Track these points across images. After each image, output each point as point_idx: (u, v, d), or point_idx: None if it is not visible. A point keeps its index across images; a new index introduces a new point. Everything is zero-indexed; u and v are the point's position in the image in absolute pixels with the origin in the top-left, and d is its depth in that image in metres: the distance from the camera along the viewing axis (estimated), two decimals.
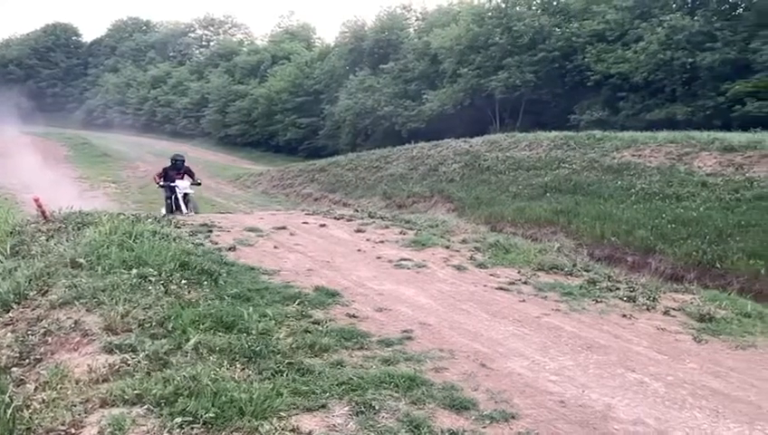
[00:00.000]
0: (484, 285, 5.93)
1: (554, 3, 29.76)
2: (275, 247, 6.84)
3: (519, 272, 6.43)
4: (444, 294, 5.58)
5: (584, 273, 6.51)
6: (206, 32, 65.09)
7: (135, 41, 67.90)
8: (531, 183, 18.30)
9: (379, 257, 6.74)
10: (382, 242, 7.53)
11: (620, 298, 5.66)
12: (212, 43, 62.90)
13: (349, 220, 8.85)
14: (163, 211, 11.89)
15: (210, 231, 7.40)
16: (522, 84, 27.47)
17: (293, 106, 41.04)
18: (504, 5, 30.04)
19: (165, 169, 12.12)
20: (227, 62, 53.47)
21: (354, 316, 4.71)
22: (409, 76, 34.53)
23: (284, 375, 3.46)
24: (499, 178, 19.46)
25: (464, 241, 7.76)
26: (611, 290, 5.88)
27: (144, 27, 72.02)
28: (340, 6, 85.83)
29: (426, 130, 29.59)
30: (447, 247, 7.33)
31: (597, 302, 5.53)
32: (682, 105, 22.76)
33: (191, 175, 12.25)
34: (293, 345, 3.89)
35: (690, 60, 22.61)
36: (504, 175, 19.44)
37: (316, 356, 3.84)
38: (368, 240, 7.60)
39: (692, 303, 5.59)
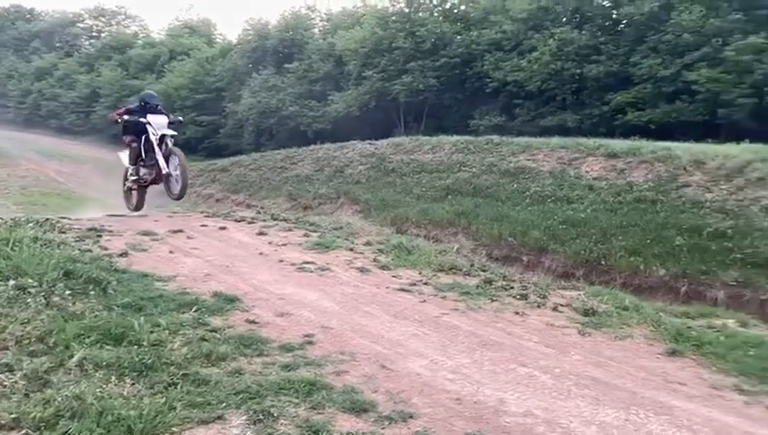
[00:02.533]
0: (387, 287, 6.02)
1: (455, 11, 30.71)
2: (171, 252, 6.56)
3: (420, 273, 6.58)
4: (347, 296, 5.60)
5: (481, 273, 6.76)
6: (96, 22, 61.21)
7: (18, 29, 62.66)
8: (434, 185, 18.80)
9: (281, 261, 6.65)
10: (285, 245, 7.43)
11: (514, 296, 5.93)
12: (103, 35, 59.23)
13: (250, 222, 8.65)
14: (126, 163, 9.47)
15: (99, 236, 6.98)
16: (425, 89, 28.12)
17: (193, 103, 39.54)
18: (407, 10, 30.62)
19: (127, 109, 9.18)
20: (121, 56, 50.59)
21: (254, 322, 4.61)
22: (314, 77, 34.35)
23: (178, 388, 3.33)
24: (404, 181, 19.83)
25: (368, 243, 7.82)
26: (506, 289, 6.15)
27: (28, 15, 66.65)
28: (243, 4, 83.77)
29: (331, 131, 29.56)
30: (351, 250, 7.36)
31: (492, 300, 5.76)
32: (572, 113, 24.25)
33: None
34: (189, 355, 3.75)
35: (578, 71, 24.14)
36: (408, 177, 19.83)
37: (213, 365, 3.72)
38: (270, 243, 7.47)
39: (578, 298, 5.96)
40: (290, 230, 8.30)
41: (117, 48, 52.54)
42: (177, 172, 8.45)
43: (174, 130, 8.95)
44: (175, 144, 9.01)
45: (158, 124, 8.54)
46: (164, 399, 3.15)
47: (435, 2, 31.04)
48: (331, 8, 63.87)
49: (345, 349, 4.28)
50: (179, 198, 8.77)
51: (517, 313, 5.48)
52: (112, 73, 47.49)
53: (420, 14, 30.13)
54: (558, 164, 17.65)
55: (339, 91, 32.07)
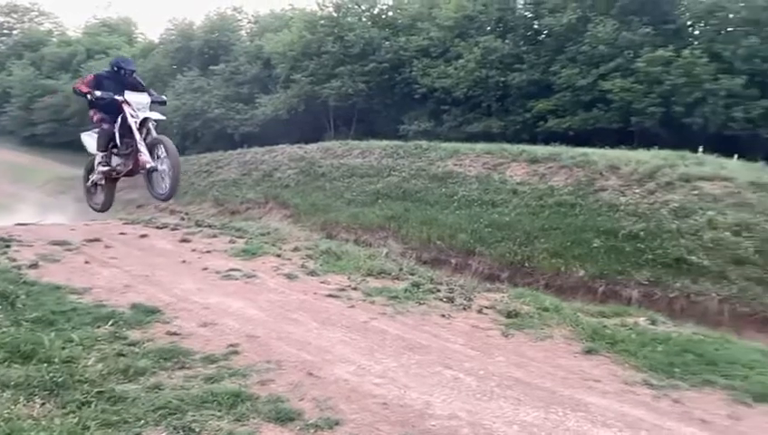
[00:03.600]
0: (315, 293, 5.97)
1: (383, 16, 30.99)
2: (87, 262, 6.25)
3: (349, 278, 6.57)
4: (273, 304, 5.52)
5: (410, 276, 6.84)
6: (8, 19, 57.57)
7: None
8: (364, 190, 18.86)
9: (205, 269, 6.48)
10: (209, 252, 7.24)
11: (441, 299, 6.03)
12: (15, 32, 55.82)
13: (174, 229, 8.38)
14: (92, 148, 7.25)
15: (8, 246, 6.56)
16: (354, 93, 28.20)
17: None
18: (335, 15, 30.61)
19: (97, 77, 7.03)
20: (33, 53, 47.80)
21: (176, 334, 4.47)
22: (241, 79, 33.71)
23: (92, 406, 3.17)
24: (334, 185, 19.77)
25: (296, 249, 7.75)
26: (433, 292, 6.24)
27: None
28: (165, 3, 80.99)
29: (259, 135, 29.08)
30: (279, 256, 7.27)
31: (420, 304, 5.84)
32: (496, 119, 25.01)
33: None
34: (104, 372, 3.58)
35: (502, 78, 24.94)
36: (338, 181, 19.79)
37: (130, 381, 3.57)
38: (194, 250, 7.26)
39: (502, 301, 6.13)
40: (215, 237, 8.10)
41: (29, 46, 49.62)
42: (165, 166, 6.46)
43: (159, 112, 6.96)
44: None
45: (138, 104, 6.56)
46: (77, 419, 3.00)
47: (363, 7, 31.22)
48: (258, 10, 62.76)
49: (271, 358, 4.22)
50: (168, 197, 6.81)
51: (444, 315, 5.57)
52: (24, 72, 44.80)
53: (349, 19, 30.21)
54: (484, 169, 18.12)
55: (267, 94, 31.62)
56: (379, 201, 17.84)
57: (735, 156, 15.63)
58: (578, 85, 22.75)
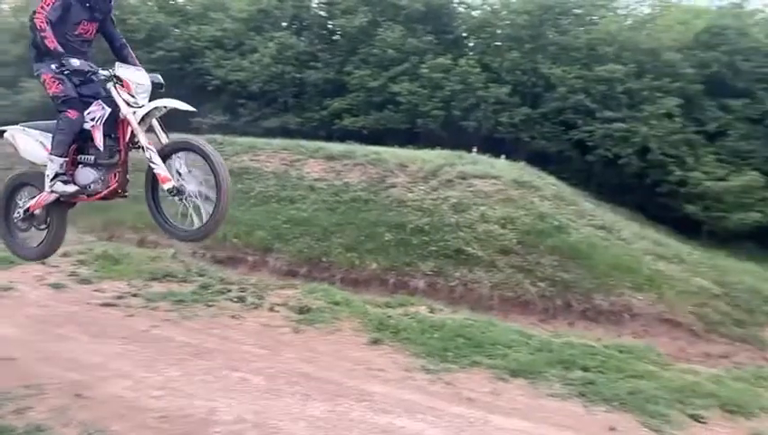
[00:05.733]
0: (87, 304, 5.41)
1: (171, 2, 29.18)
2: None
3: (129, 284, 6.08)
4: (35, 319, 4.87)
5: (198, 278, 6.54)
6: None
7: None
8: None
9: None
10: None
11: (231, 300, 5.87)
12: None
13: None
14: (37, 152, 4.14)
15: None
16: None
17: None
18: None
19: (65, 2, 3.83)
20: None
21: None
22: (2, 60, 29.18)
23: None
24: None
25: (65, 254, 6.91)
26: (223, 293, 6.05)
27: None
28: None
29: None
30: (43, 263, 6.42)
31: (208, 306, 5.62)
32: (293, 115, 25.05)
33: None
34: None
35: (299, 75, 25.05)
36: None
37: None
38: None
39: (294, 297, 6.16)
40: None
41: None
42: (194, 186, 3.70)
43: (158, 85, 4.05)
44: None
45: (137, 85, 3.82)
46: None
47: None
48: None
49: (31, 382, 3.71)
50: (204, 236, 3.91)
51: (234, 316, 5.44)
52: None
53: (132, 2, 27.85)
54: (281, 165, 18.06)
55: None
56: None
57: (503, 156, 17.67)
58: (370, 86, 23.76)
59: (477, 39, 24.70)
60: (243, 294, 6.05)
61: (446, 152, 17.37)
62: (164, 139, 3.79)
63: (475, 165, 16.10)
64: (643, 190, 19.92)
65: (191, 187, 3.67)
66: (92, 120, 3.81)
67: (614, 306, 11.32)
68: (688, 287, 9.95)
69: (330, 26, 26.76)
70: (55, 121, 3.96)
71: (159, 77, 4.05)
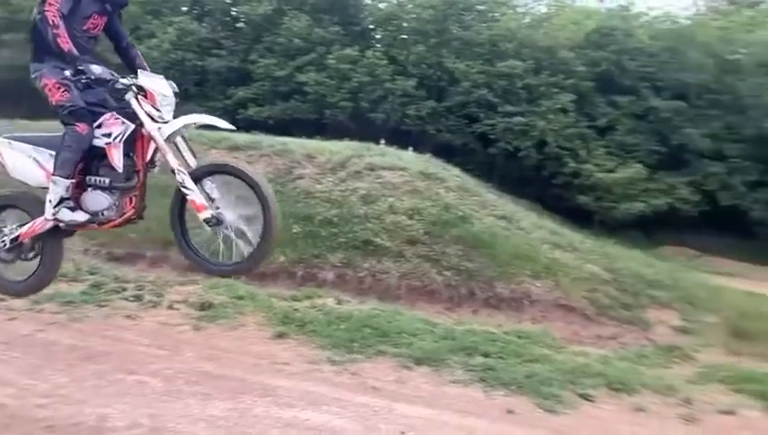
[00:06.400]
0: None
1: None
2: None
3: None
4: None
5: (89, 276, 6.16)
6: None
7: None
8: None
9: None
10: None
11: (127, 299, 5.58)
12: None
13: None
14: (37, 177, 3.40)
15: None
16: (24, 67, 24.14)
17: None
18: None
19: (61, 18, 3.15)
20: None
21: None
22: None
23: None
24: None
25: None
26: (118, 292, 5.74)
27: None
28: None
29: None
30: None
31: (101, 306, 5.30)
32: (195, 104, 24.05)
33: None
34: None
35: (200, 63, 24.14)
36: None
37: None
38: None
39: (195, 293, 5.94)
40: None
41: None
42: (232, 216, 3.18)
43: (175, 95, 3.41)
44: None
45: (161, 96, 3.24)
46: None
47: None
48: None
49: None
50: (247, 269, 3.56)
51: (129, 316, 5.16)
52: None
53: None
54: None
55: None
56: None
57: (410, 148, 17.95)
58: (276, 76, 23.32)
59: (384, 31, 24.88)
60: (140, 292, 5.75)
61: (355, 144, 17.37)
62: (190, 159, 3.19)
63: (383, 157, 16.22)
64: (541, 182, 20.99)
65: (229, 215, 3.13)
66: (107, 136, 3.20)
67: (515, 294, 11.80)
68: (581, 274, 10.57)
69: (233, 13, 25.97)
70: (47, 134, 3.47)
71: (176, 86, 3.37)
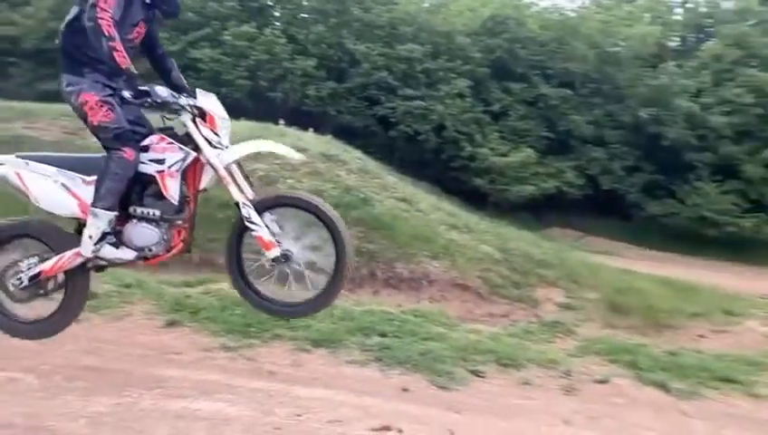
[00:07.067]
0: None
1: None
2: None
3: None
4: None
5: None
6: None
7: None
8: None
9: None
10: None
11: None
12: None
13: None
14: (69, 207, 2.80)
15: None
16: None
17: None
18: None
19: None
20: None
21: None
22: None
23: None
24: None
25: None
26: None
27: None
28: None
29: None
30: None
31: None
32: None
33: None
34: None
35: None
36: None
37: None
38: None
39: None
40: None
41: None
42: (302, 254, 2.82)
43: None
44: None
45: (222, 121, 2.86)
46: None
47: None
48: None
49: None
50: (315, 309, 3.02)
51: None
52: None
53: None
54: (63, 134, 15.97)
55: None
56: None
57: (311, 129, 17.74)
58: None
59: (283, 9, 24.33)
60: None
61: (253, 124, 16.93)
62: (247, 189, 2.79)
63: (283, 137, 15.94)
64: (439, 165, 21.52)
65: (297, 251, 2.79)
66: (158, 162, 2.77)
67: (414, 274, 12.09)
68: (476, 254, 11.00)
69: None
70: (74, 155, 3.00)
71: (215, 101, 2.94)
